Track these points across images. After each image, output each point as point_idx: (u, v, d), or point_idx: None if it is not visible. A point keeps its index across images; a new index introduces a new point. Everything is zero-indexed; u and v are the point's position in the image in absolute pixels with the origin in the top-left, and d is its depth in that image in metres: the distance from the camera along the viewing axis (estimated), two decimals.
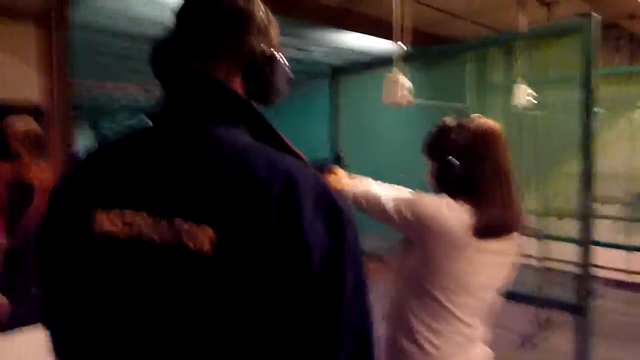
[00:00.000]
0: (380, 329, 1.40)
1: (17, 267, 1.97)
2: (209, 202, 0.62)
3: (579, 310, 1.97)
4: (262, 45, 0.74)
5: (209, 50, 0.72)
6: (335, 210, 0.64)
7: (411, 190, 1.33)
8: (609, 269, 5.21)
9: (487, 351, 1.40)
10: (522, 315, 4.30)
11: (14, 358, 2.01)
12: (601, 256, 4.62)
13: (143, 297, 0.64)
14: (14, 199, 2.01)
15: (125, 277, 0.66)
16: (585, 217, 1.96)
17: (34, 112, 2.10)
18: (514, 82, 3.12)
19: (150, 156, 0.68)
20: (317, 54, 5.71)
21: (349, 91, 3.14)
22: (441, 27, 4.58)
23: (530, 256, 4.73)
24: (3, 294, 1.91)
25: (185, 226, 0.61)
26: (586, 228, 1.97)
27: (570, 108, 2.41)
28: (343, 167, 1.63)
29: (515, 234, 1.31)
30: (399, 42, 2.41)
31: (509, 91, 3.33)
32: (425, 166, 1.40)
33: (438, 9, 4.08)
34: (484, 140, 1.29)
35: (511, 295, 2.34)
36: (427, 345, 1.28)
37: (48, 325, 0.79)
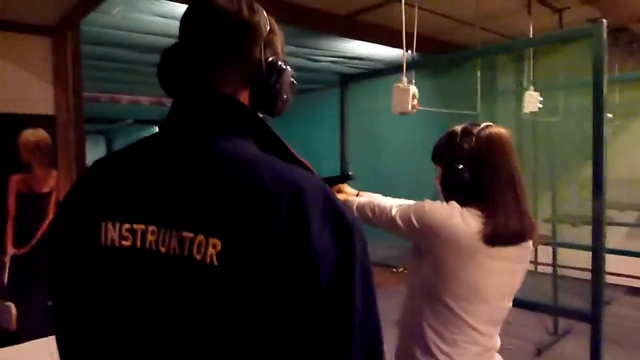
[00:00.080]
0: (393, 339, 1.39)
1: (28, 277, 1.99)
2: (217, 214, 0.62)
3: (591, 318, 1.94)
4: (267, 55, 0.74)
5: (214, 63, 0.73)
6: (343, 222, 0.63)
7: (417, 201, 1.33)
8: (624, 276, 5.13)
9: None
10: (538, 324, 4.24)
11: None
12: (616, 263, 4.57)
13: (150, 309, 0.65)
14: (24, 209, 2.03)
15: (133, 289, 0.66)
16: (598, 223, 1.94)
17: (48, 124, 2.13)
18: (525, 88, 3.10)
19: (158, 168, 0.69)
20: (325, 63, 5.73)
21: (358, 99, 3.15)
22: (450, 34, 4.58)
23: (541, 263, 4.67)
24: (13, 303, 1.93)
25: (194, 239, 0.62)
26: (598, 235, 1.94)
27: (583, 114, 2.39)
28: (349, 181, 1.66)
29: (526, 240, 1.30)
30: (408, 51, 2.41)
31: (519, 98, 3.31)
32: (435, 173, 1.40)
33: (446, 16, 4.08)
34: (492, 146, 1.28)
35: (524, 304, 2.31)
36: (441, 357, 1.27)
37: (57, 334, 0.80)
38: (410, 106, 2.11)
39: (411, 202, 1.41)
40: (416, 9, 2.66)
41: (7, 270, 2.21)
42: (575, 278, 4.14)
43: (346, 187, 1.66)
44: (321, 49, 5.13)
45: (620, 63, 4.73)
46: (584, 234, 2.35)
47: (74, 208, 0.74)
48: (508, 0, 3.70)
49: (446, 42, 4.76)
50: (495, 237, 1.22)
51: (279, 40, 0.78)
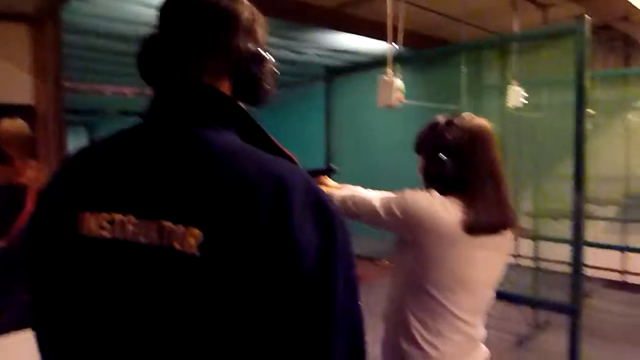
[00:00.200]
0: (379, 331, 1.40)
1: (8, 270, 1.95)
2: (199, 204, 0.61)
3: (571, 310, 1.97)
4: (248, 44, 0.73)
5: (194, 52, 0.71)
6: (326, 212, 0.63)
7: (399, 192, 1.34)
8: (604, 269, 5.23)
9: (486, 352, 1.40)
10: (518, 316, 4.31)
11: None
12: (596, 257, 4.66)
13: (130, 301, 0.64)
14: (4, 201, 2.00)
15: (112, 281, 0.65)
16: (578, 217, 1.97)
17: (27, 114, 2.09)
18: (509, 84, 3.13)
19: (138, 158, 0.68)
20: (312, 55, 5.71)
21: (344, 92, 3.14)
22: (437, 29, 4.59)
23: (523, 257, 4.74)
24: None
25: (174, 228, 0.61)
26: (578, 229, 1.97)
27: (565, 110, 2.42)
28: (332, 175, 1.66)
29: (506, 230, 1.32)
30: (393, 44, 2.41)
31: (503, 93, 3.34)
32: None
33: (433, 11, 4.09)
34: (474, 137, 1.30)
35: (505, 296, 2.35)
36: (426, 347, 1.28)
37: (35, 329, 0.78)
38: (394, 99, 2.11)
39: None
40: (403, 3, 2.65)
41: None
42: (556, 272, 4.22)
43: (328, 180, 1.66)
44: (307, 42, 5.11)
45: (602, 61, 4.80)
46: (565, 228, 2.38)
47: (53, 199, 0.72)
48: None
49: (433, 37, 4.78)
50: (476, 226, 1.24)
51: (260, 29, 0.77)
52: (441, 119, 1.36)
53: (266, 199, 0.60)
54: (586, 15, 1.90)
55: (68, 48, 3.04)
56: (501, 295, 2.10)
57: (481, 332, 1.38)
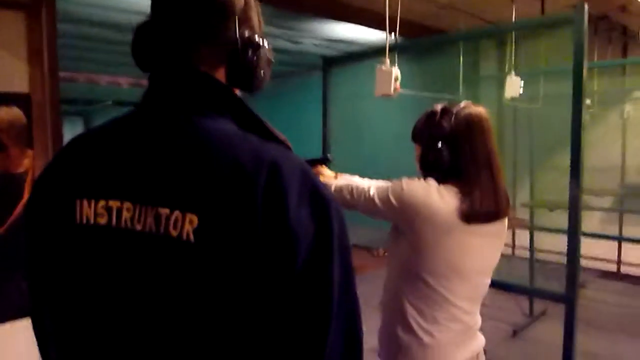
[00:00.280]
0: (375, 321, 1.41)
1: (4, 258, 1.95)
2: (194, 191, 0.61)
3: (566, 300, 1.99)
4: (242, 30, 0.72)
5: (188, 40, 0.71)
6: (321, 199, 0.63)
7: (395, 180, 1.34)
8: (600, 260, 5.27)
9: (482, 339, 1.41)
10: (514, 307, 4.34)
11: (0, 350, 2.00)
12: (592, 248, 4.69)
13: (127, 287, 0.64)
14: (0, 190, 1.99)
15: (109, 267, 0.65)
16: (574, 208, 1.98)
17: (23, 102, 2.07)
18: (506, 74, 3.12)
19: (134, 146, 0.67)
20: (309, 45, 5.69)
21: (341, 83, 3.13)
22: (434, 19, 4.57)
23: (519, 247, 4.77)
24: None
25: (170, 215, 0.61)
26: (574, 219, 1.98)
27: (562, 100, 2.42)
28: (328, 164, 1.67)
29: (502, 218, 1.32)
30: (392, 34, 2.40)
31: (501, 83, 3.34)
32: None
33: (431, 1, 4.07)
34: (470, 125, 1.30)
35: (501, 285, 2.36)
36: (422, 334, 1.29)
37: (33, 316, 0.78)
38: (392, 89, 2.10)
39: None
40: None
41: None
42: (551, 262, 4.24)
43: (325, 170, 1.66)
44: (304, 31, 5.08)
45: (599, 51, 4.79)
46: (561, 218, 2.39)
47: (49, 186, 0.72)
48: None
49: (430, 27, 4.76)
50: (472, 214, 1.24)
51: (255, 14, 0.76)
52: (438, 107, 1.36)
53: (262, 184, 0.60)
54: (584, 3, 1.89)
55: (62, 37, 3.02)
56: (497, 285, 2.11)
57: (477, 319, 1.39)
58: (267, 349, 0.61)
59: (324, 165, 1.67)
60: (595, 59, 4.62)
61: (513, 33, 3.12)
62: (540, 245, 4.43)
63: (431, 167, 1.31)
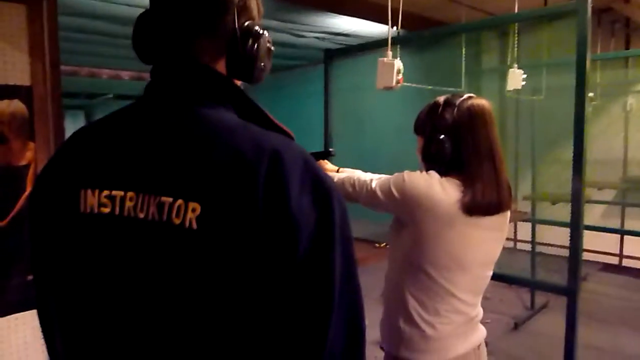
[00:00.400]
0: (376, 314, 1.42)
1: (6, 252, 1.96)
2: (197, 180, 0.61)
3: (569, 292, 1.99)
4: (242, 21, 0.72)
5: (187, 34, 0.71)
6: (323, 187, 0.63)
7: (397, 173, 1.34)
8: (601, 253, 5.27)
9: (483, 331, 1.42)
10: (515, 299, 4.35)
11: (1, 343, 2.01)
12: (593, 240, 4.69)
13: (130, 275, 0.64)
14: (1, 183, 1.99)
15: (112, 256, 0.66)
16: (577, 201, 1.97)
17: (24, 95, 2.07)
18: (509, 66, 3.11)
19: (137, 136, 0.68)
20: (311, 39, 5.66)
21: (342, 76, 3.12)
22: (436, 11, 4.55)
23: (521, 240, 4.77)
24: None
25: (173, 203, 0.61)
26: (577, 211, 1.98)
27: (564, 93, 2.41)
28: (330, 158, 1.67)
29: (505, 210, 1.32)
30: (394, 27, 2.39)
31: (503, 76, 3.32)
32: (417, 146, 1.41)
33: None
34: (473, 117, 1.29)
35: (503, 278, 2.36)
36: (424, 326, 1.30)
37: (39, 306, 0.79)
38: (395, 81, 2.10)
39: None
40: None
41: None
42: (553, 255, 4.24)
43: (327, 164, 1.67)
44: (306, 25, 5.06)
45: (602, 43, 4.77)
46: (563, 211, 2.39)
47: (54, 178, 0.73)
48: None
49: (432, 20, 4.74)
50: (474, 206, 1.24)
51: (254, 3, 0.76)
52: (440, 99, 1.36)
53: (263, 172, 0.60)
54: None
55: (63, 30, 3.02)
56: (500, 277, 2.11)
57: (479, 311, 1.39)
58: (269, 337, 0.61)
59: (326, 160, 1.67)
60: (598, 51, 4.59)
61: (516, 25, 3.10)
62: (541, 238, 4.42)
63: (433, 159, 1.31)
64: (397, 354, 1.34)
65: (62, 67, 2.29)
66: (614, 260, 5.36)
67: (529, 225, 4.38)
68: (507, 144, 4.57)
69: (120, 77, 7.35)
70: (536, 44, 4.22)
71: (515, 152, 4.58)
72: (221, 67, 0.73)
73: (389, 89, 2.15)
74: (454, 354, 1.32)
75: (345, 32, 5.41)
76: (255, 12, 0.76)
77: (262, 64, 0.74)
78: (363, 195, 1.39)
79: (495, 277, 1.43)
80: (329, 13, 4.49)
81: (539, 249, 4.36)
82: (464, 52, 3.40)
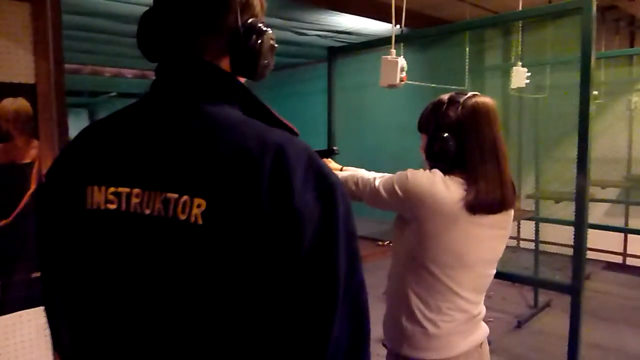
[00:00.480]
0: (379, 311, 1.42)
1: (11, 249, 1.96)
2: (202, 176, 0.62)
3: (572, 290, 1.98)
4: (245, 19, 0.73)
5: (191, 30, 0.71)
6: (326, 182, 0.64)
7: (400, 171, 1.34)
8: (605, 252, 5.25)
9: (486, 329, 1.42)
10: (518, 297, 4.35)
11: (6, 340, 2.02)
12: (597, 239, 4.67)
13: (137, 271, 0.65)
14: (5, 180, 1.99)
15: (118, 252, 0.66)
16: (581, 199, 1.97)
17: (28, 93, 2.07)
18: (512, 64, 3.10)
19: (143, 133, 0.69)
20: (314, 37, 5.66)
21: (346, 75, 3.12)
22: (440, 9, 4.54)
23: (525, 239, 4.76)
24: None
25: (178, 199, 0.62)
26: (581, 210, 1.97)
27: (569, 91, 2.40)
28: (333, 156, 1.67)
29: (508, 209, 1.32)
30: (397, 25, 2.39)
31: (506, 73, 3.31)
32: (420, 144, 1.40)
33: None
34: (477, 115, 1.29)
35: (507, 276, 2.36)
36: (426, 324, 1.30)
37: (45, 303, 0.80)
38: (398, 79, 2.09)
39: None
40: None
41: None
42: (556, 254, 4.24)
43: (330, 162, 1.67)
44: (309, 23, 5.05)
45: (606, 41, 4.74)
46: (566, 209, 2.38)
47: (61, 174, 0.73)
48: None
49: (435, 18, 4.73)
50: (477, 204, 1.24)
51: (258, 1, 0.76)
52: (445, 97, 1.35)
53: (267, 168, 0.60)
54: None
55: (66, 29, 3.03)
56: (503, 275, 2.11)
57: (481, 309, 1.39)
58: (273, 331, 0.61)
59: (329, 158, 1.67)
60: (603, 49, 4.57)
61: (519, 22, 3.09)
62: (545, 237, 4.42)
63: (437, 157, 1.31)
64: (399, 351, 1.35)
65: (65, 66, 2.29)
66: (618, 259, 5.35)
67: (532, 223, 4.37)
68: (511, 142, 4.56)
69: (123, 75, 7.35)
70: (540, 42, 4.21)
71: (518, 150, 4.57)
72: (225, 64, 0.73)
73: (392, 86, 2.14)
74: (457, 352, 1.32)
75: (348, 30, 5.40)
76: (258, 9, 0.76)
77: (265, 60, 0.75)
78: (366, 193, 1.39)
79: (498, 275, 1.43)
80: (332, 11, 4.48)
81: (542, 247, 4.36)
82: (467, 50, 3.39)
